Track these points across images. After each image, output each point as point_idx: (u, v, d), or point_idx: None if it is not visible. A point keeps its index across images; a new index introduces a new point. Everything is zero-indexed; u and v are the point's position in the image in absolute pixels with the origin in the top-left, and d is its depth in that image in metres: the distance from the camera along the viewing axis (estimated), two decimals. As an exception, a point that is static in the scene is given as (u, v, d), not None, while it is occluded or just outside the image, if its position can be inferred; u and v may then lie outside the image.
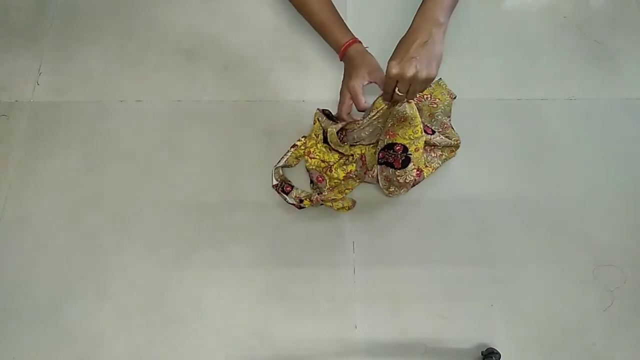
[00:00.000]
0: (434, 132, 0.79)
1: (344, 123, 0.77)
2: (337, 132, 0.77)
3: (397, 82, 0.64)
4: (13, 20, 0.97)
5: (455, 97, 0.87)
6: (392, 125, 0.72)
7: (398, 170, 0.72)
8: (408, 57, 0.62)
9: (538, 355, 0.73)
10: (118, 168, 0.84)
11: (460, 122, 0.85)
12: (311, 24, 0.81)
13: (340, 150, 0.79)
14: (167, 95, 0.90)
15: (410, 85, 0.64)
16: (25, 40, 0.95)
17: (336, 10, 0.80)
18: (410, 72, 0.62)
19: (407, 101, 0.69)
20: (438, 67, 0.64)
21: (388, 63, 0.64)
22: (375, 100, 0.73)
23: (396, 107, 0.70)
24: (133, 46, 0.94)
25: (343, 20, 0.79)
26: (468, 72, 0.91)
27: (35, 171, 0.84)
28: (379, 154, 0.73)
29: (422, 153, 0.73)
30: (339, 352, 0.73)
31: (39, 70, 0.92)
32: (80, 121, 0.88)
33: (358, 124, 0.76)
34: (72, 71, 0.92)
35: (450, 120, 0.85)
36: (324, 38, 0.80)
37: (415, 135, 0.71)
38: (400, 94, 0.65)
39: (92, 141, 0.86)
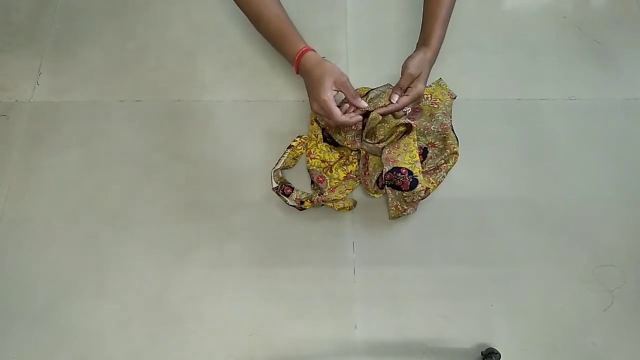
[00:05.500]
0: (425, 152, 0.81)
1: (382, 110, 0.74)
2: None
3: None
4: (13, 20, 0.97)
5: (455, 97, 0.87)
6: (390, 152, 0.74)
7: (406, 192, 0.72)
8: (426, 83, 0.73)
9: (538, 355, 0.73)
10: (118, 168, 0.84)
11: (460, 122, 0.85)
12: (266, 36, 0.77)
13: (365, 140, 0.78)
14: (167, 95, 0.90)
15: None
16: (25, 40, 0.95)
17: (292, 23, 0.76)
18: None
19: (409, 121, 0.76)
20: None
21: (418, 85, 0.71)
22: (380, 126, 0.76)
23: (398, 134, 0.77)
24: (133, 46, 0.94)
25: (298, 33, 0.75)
26: (468, 72, 0.91)
27: (35, 171, 0.84)
28: (386, 175, 0.73)
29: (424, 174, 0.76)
30: (339, 352, 0.73)
31: (39, 70, 0.92)
32: (80, 121, 0.88)
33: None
34: (72, 71, 0.92)
35: (451, 121, 0.85)
36: (278, 50, 0.77)
37: (414, 160, 0.73)
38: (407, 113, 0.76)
39: (92, 141, 0.86)
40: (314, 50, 0.73)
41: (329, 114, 0.70)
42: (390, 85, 0.77)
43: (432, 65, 0.74)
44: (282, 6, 0.76)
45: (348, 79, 0.71)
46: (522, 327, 0.74)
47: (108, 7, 0.98)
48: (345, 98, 0.74)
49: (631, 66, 0.92)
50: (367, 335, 0.74)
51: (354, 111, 0.74)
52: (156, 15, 0.97)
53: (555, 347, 0.73)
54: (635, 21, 0.96)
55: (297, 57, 0.72)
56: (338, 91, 0.71)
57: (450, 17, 0.74)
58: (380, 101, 0.74)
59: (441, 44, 0.74)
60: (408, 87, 0.72)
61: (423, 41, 0.74)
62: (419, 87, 0.71)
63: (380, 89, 0.78)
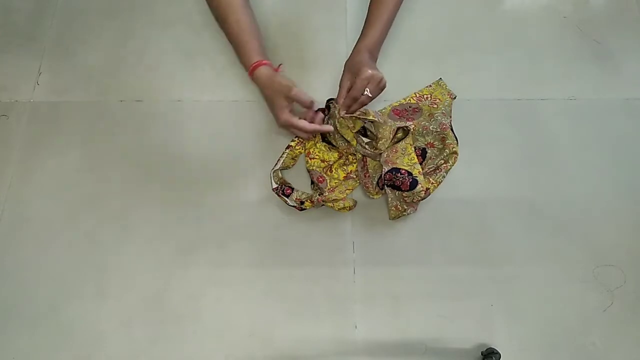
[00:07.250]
0: (424, 153, 0.81)
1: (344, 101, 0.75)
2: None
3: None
4: (13, 20, 0.97)
5: (455, 97, 0.87)
6: (388, 156, 0.75)
7: (405, 192, 0.72)
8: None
9: (538, 355, 0.73)
10: (118, 168, 0.84)
11: (460, 122, 0.85)
12: (229, 41, 0.78)
13: (346, 139, 0.79)
14: (167, 95, 0.90)
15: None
16: (25, 40, 0.95)
17: (254, 31, 0.77)
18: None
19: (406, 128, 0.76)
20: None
21: (362, 73, 0.70)
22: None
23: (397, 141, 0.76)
24: (133, 46, 0.94)
25: (261, 42, 0.77)
26: (468, 72, 0.91)
27: (35, 171, 0.84)
28: (385, 175, 0.74)
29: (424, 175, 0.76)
30: (339, 352, 0.73)
31: (39, 70, 0.92)
32: (80, 121, 0.88)
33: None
34: (72, 71, 0.92)
35: (450, 121, 0.85)
36: (238, 58, 0.78)
37: (413, 162, 0.74)
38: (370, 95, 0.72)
39: (92, 141, 0.86)
40: (266, 64, 0.74)
41: (296, 130, 0.73)
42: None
43: (370, 49, 0.74)
44: (249, 12, 0.77)
45: (298, 89, 0.72)
46: (522, 327, 0.74)
47: (108, 7, 0.98)
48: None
49: (631, 66, 0.92)
50: (367, 335, 0.74)
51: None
52: (156, 15, 0.97)
53: (555, 347, 0.73)
54: (635, 21, 0.96)
55: (249, 72, 0.74)
56: (292, 103, 0.74)
57: (392, 17, 0.78)
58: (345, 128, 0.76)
59: (380, 30, 0.76)
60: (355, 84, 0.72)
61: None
62: (363, 74, 0.70)
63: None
